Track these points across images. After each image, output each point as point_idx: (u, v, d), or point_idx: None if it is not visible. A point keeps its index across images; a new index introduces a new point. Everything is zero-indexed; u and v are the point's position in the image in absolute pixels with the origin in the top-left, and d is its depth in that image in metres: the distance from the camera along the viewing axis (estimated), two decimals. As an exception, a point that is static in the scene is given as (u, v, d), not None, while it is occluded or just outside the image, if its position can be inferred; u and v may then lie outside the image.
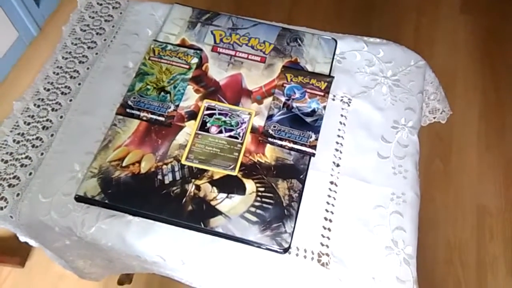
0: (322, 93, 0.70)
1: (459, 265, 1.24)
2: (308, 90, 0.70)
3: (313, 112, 0.68)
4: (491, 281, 1.22)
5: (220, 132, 0.67)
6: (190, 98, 0.70)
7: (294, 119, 0.67)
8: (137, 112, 0.67)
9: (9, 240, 1.17)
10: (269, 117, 0.68)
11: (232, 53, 0.75)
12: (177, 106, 0.68)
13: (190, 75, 0.71)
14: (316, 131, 0.66)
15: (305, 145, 0.65)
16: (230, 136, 0.66)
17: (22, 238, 0.70)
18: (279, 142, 0.65)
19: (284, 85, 0.70)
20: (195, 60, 0.72)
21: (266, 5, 1.73)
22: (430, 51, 1.63)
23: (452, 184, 1.38)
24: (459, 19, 1.73)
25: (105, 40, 0.79)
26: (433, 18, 1.73)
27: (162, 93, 0.69)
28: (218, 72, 0.73)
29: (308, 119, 0.67)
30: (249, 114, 0.69)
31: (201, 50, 0.74)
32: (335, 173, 0.65)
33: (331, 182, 0.64)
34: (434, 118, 0.85)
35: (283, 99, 0.69)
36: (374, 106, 0.71)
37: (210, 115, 0.68)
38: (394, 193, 0.64)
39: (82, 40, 0.79)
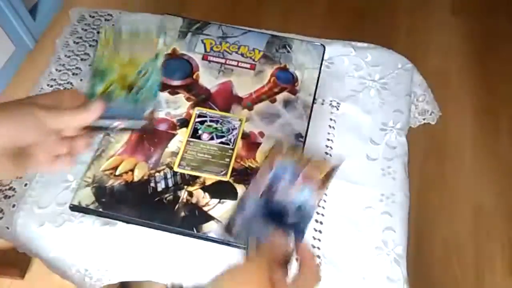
0: (320, 183, 0.51)
1: (456, 265, 1.25)
2: (301, 176, 0.52)
3: (299, 209, 0.51)
4: (488, 280, 1.22)
5: (212, 138, 0.68)
6: (182, 106, 0.71)
7: (272, 213, 0.51)
8: (108, 122, 0.51)
9: (8, 252, 1.18)
10: (240, 203, 0.52)
11: (223, 61, 0.77)
12: (157, 103, 0.55)
13: (161, 60, 0.54)
14: (299, 235, 0.48)
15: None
16: (221, 143, 0.68)
17: (20, 249, 0.71)
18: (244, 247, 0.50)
19: (275, 162, 0.52)
20: (161, 42, 0.55)
21: (260, 13, 1.75)
22: (423, 54, 1.65)
23: (448, 184, 1.39)
24: (451, 21, 1.75)
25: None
26: (425, 21, 1.75)
27: (133, 92, 0.53)
28: (209, 80, 0.75)
29: (291, 218, 0.50)
30: (240, 120, 0.70)
31: (164, 32, 0.57)
32: (325, 176, 0.66)
33: (322, 185, 0.65)
34: (424, 119, 0.87)
35: (264, 185, 0.52)
36: (362, 109, 0.73)
37: (202, 123, 0.70)
38: (384, 194, 0.65)
39: (75, 52, 0.81)
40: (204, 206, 0.62)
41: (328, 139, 0.70)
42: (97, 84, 0.53)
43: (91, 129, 0.50)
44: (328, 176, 0.52)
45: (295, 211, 0.51)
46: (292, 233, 0.48)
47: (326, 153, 0.68)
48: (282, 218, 0.50)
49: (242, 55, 0.78)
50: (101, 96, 0.51)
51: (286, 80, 0.75)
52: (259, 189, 0.52)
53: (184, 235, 0.61)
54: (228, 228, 0.50)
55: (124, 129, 0.52)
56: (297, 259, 0.45)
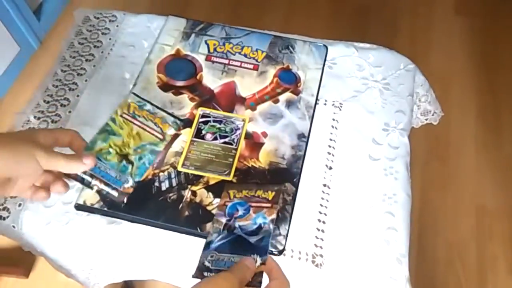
0: (269, 204, 0.59)
1: (459, 265, 1.25)
2: (253, 204, 0.59)
3: (258, 229, 0.56)
4: (491, 280, 1.23)
5: (215, 138, 0.68)
6: (186, 106, 0.72)
7: (236, 241, 0.56)
8: (89, 179, 0.53)
9: (13, 251, 1.19)
10: (207, 245, 0.56)
11: (226, 61, 0.78)
12: (137, 182, 0.57)
13: (161, 147, 0.61)
14: (263, 252, 0.53)
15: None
16: (224, 143, 0.68)
17: (25, 248, 0.72)
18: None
19: (226, 203, 0.61)
20: (171, 131, 0.63)
21: (263, 13, 1.76)
22: (426, 53, 1.65)
23: (450, 184, 1.39)
24: (454, 21, 1.75)
25: (102, 52, 0.82)
26: (428, 20, 1.75)
27: (124, 162, 0.57)
28: (212, 81, 0.75)
29: (253, 239, 0.55)
30: (243, 120, 0.71)
31: (181, 120, 0.66)
32: (327, 175, 0.67)
33: (324, 185, 0.66)
34: (426, 120, 0.87)
35: (224, 220, 0.59)
36: (365, 109, 0.73)
37: (205, 123, 0.70)
38: (386, 194, 0.65)
39: (80, 53, 0.82)
40: (207, 205, 0.63)
41: (331, 139, 0.70)
42: (98, 141, 0.57)
43: (73, 177, 0.53)
44: (275, 198, 0.59)
45: (256, 230, 0.56)
46: (257, 252, 0.52)
47: (329, 153, 0.69)
48: (246, 240, 0.55)
49: (245, 55, 0.78)
50: (96, 153, 0.55)
51: (289, 81, 0.75)
52: (220, 226, 0.58)
53: (188, 234, 0.61)
54: (199, 272, 0.52)
55: (97, 192, 0.55)
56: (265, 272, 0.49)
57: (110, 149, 0.57)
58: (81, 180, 0.53)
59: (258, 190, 0.61)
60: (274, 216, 0.57)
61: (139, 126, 0.61)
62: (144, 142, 0.60)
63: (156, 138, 0.61)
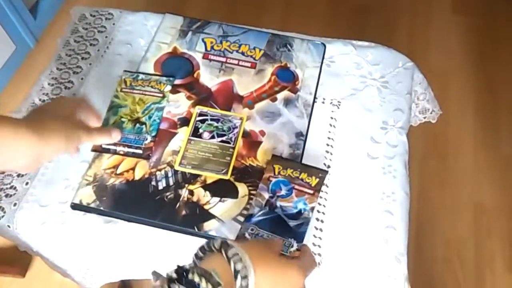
0: (311, 191, 0.61)
1: (457, 262, 1.25)
2: (296, 187, 0.62)
3: (298, 214, 0.59)
4: (489, 278, 1.23)
5: (213, 137, 0.68)
6: (183, 105, 0.72)
7: (276, 221, 0.59)
8: (113, 147, 0.64)
9: (9, 250, 1.19)
10: (248, 217, 0.60)
11: (223, 59, 0.77)
12: (154, 137, 0.66)
13: (164, 103, 0.70)
14: (300, 238, 0.57)
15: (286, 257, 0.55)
16: (222, 141, 0.68)
17: (21, 248, 0.71)
18: None
19: (270, 179, 0.63)
20: (168, 88, 0.71)
21: (261, 10, 1.75)
22: (424, 52, 1.65)
23: (448, 182, 1.39)
24: (452, 19, 1.75)
25: (98, 50, 0.81)
26: (426, 19, 1.75)
27: (138, 125, 0.67)
28: (210, 79, 0.75)
29: (292, 223, 0.58)
30: (241, 119, 0.70)
31: (173, 77, 0.73)
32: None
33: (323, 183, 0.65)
34: (425, 118, 0.87)
35: (266, 195, 0.61)
36: (363, 107, 0.73)
37: (203, 121, 0.70)
38: (384, 193, 0.65)
39: (76, 51, 0.81)
40: (205, 204, 0.62)
41: (329, 138, 0.70)
42: (110, 117, 0.68)
43: (98, 149, 0.65)
44: (318, 186, 0.62)
45: (296, 214, 0.59)
46: (294, 236, 0.56)
47: (327, 151, 0.69)
48: (285, 222, 0.59)
49: (242, 53, 0.78)
50: (113, 125, 0.66)
51: (287, 79, 0.75)
52: (263, 201, 0.61)
53: (185, 234, 0.61)
54: (238, 241, 0.56)
55: (124, 155, 0.65)
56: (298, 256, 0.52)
57: (122, 119, 0.67)
58: (107, 150, 0.64)
59: (303, 173, 0.62)
60: (314, 204, 0.60)
61: (140, 93, 0.70)
62: (148, 103, 0.69)
63: (157, 97, 0.70)
